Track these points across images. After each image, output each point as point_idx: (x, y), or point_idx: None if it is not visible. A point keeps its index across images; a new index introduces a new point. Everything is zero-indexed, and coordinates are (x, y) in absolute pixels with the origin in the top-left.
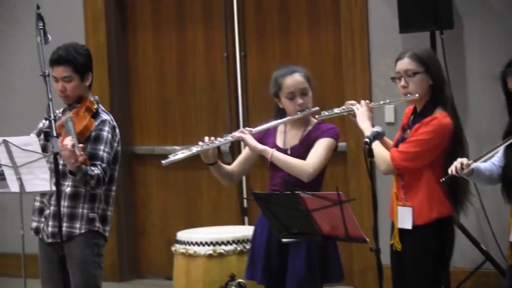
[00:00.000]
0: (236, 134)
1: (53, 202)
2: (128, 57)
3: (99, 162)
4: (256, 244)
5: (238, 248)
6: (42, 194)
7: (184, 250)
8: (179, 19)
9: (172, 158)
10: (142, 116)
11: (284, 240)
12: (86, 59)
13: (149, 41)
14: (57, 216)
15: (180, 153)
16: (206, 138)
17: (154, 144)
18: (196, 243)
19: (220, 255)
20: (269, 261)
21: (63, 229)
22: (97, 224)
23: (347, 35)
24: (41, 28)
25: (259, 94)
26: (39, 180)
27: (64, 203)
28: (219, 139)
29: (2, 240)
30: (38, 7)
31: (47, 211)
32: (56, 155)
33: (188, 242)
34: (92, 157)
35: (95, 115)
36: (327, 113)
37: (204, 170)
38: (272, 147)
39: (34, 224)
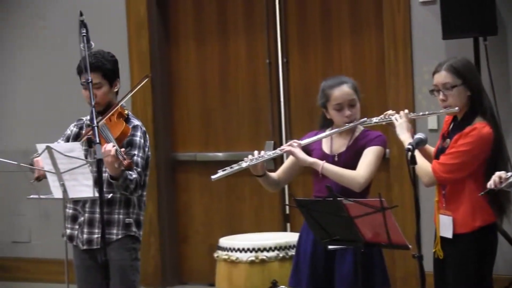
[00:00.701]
0: (285, 148)
1: (87, 209)
2: (171, 65)
3: (134, 167)
4: (301, 251)
5: (280, 255)
6: (75, 201)
7: (226, 257)
8: (222, 27)
9: (221, 173)
10: (184, 123)
11: (330, 247)
12: (114, 65)
13: (192, 49)
14: (99, 222)
15: (229, 168)
16: (256, 153)
17: (197, 151)
18: (238, 249)
19: (262, 261)
20: (315, 268)
21: (100, 235)
22: (134, 228)
23: (390, 42)
24: (84, 35)
25: (301, 101)
26: (82, 186)
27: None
28: (267, 152)
29: (45, 246)
30: (81, 14)
31: (81, 218)
32: (99, 161)
33: (230, 249)
34: None
35: (126, 120)
36: (367, 121)
37: (247, 177)
38: (318, 153)
39: (68, 231)
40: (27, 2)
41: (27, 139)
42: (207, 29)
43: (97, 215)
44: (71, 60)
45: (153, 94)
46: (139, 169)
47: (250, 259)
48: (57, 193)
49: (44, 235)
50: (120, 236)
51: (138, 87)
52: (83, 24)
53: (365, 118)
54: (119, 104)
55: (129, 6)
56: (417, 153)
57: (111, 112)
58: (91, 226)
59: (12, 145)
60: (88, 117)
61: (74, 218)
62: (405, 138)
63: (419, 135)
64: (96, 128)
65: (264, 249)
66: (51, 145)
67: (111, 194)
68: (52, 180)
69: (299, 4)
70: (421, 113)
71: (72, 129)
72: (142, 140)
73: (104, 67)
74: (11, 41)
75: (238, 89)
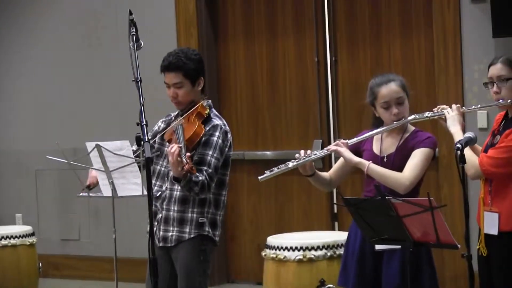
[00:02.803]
0: (332, 147)
1: (165, 206)
2: (219, 64)
3: (205, 168)
4: (349, 252)
5: (328, 254)
6: (156, 198)
7: (274, 255)
8: (270, 26)
9: (268, 173)
10: (233, 122)
11: (377, 248)
12: (197, 64)
13: (241, 47)
14: (172, 220)
15: (276, 169)
16: (302, 152)
17: (245, 150)
18: (286, 248)
19: (310, 260)
20: (362, 268)
21: (174, 233)
22: (207, 228)
23: (440, 41)
24: (133, 34)
25: (349, 99)
26: (131, 184)
27: (174, 207)
28: (314, 152)
29: (94, 244)
30: (130, 13)
31: (159, 215)
32: (148, 160)
33: (278, 247)
34: (199, 162)
35: (206, 120)
36: (417, 116)
37: (295, 175)
38: (368, 154)
39: (154, 229)
40: (80, 1)
41: (77, 138)
42: (255, 27)
43: (172, 213)
44: (124, 59)
45: (201, 92)
46: (209, 170)
47: (298, 258)
48: (107, 191)
49: (93, 233)
50: (192, 235)
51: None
52: (132, 23)
53: (414, 115)
54: (199, 104)
55: (178, 5)
56: (465, 148)
57: (190, 111)
58: (166, 224)
59: (63, 144)
60: (175, 113)
61: (155, 215)
62: (456, 130)
63: (468, 134)
64: (144, 126)
65: (312, 248)
66: (100, 143)
67: (177, 192)
68: (102, 178)
69: (348, 2)
70: (473, 107)
71: (159, 125)
72: (220, 140)
73: (185, 67)
74: (64, 39)
75: (286, 88)
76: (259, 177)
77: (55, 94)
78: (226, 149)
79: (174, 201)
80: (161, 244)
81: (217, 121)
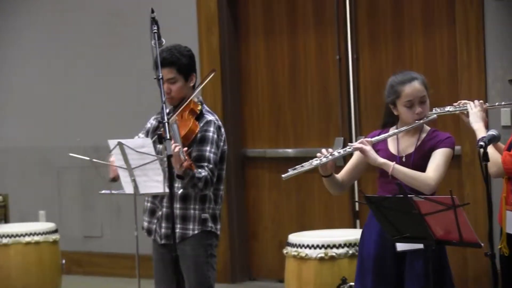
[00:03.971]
0: (357, 145)
1: (165, 203)
2: (240, 61)
3: (205, 164)
4: (365, 254)
5: (350, 251)
6: (154, 195)
7: (295, 253)
8: (291, 23)
9: (291, 172)
10: (254, 119)
11: (399, 249)
12: (190, 60)
13: (262, 45)
14: (171, 217)
15: (300, 167)
16: (324, 150)
17: (266, 147)
18: (308, 245)
19: (332, 258)
20: (381, 269)
21: (177, 230)
22: (210, 224)
23: (462, 37)
24: (155, 32)
25: (371, 97)
26: (153, 182)
27: (176, 204)
28: (337, 150)
29: (116, 241)
30: (152, 11)
31: (159, 213)
32: (169, 157)
33: (299, 245)
34: (199, 159)
35: (199, 116)
36: (439, 110)
37: (316, 173)
38: (384, 154)
39: (145, 225)
40: (103, 0)
41: (99, 135)
42: (276, 25)
43: (175, 211)
44: (144, 57)
45: (223, 90)
46: (210, 166)
47: (319, 255)
48: (128, 189)
49: (115, 229)
50: (196, 232)
51: (206, 81)
52: (154, 21)
53: (435, 109)
54: (189, 100)
55: (199, 2)
56: (488, 146)
57: (182, 108)
58: (168, 221)
59: (85, 142)
60: (166, 111)
61: (152, 212)
62: (479, 127)
63: (492, 132)
64: (166, 124)
65: (334, 246)
66: (122, 140)
67: (181, 190)
68: (124, 176)
69: (370, 0)
70: (496, 104)
71: (151, 122)
72: (215, 135)
73: (178, 62)
74: (86, 37)
75: (307, 85)
76: (283, 176)
77: (78, 92)
78: (221, 143)
79: (175, 198)
80: (163, 242)
81: (209, 116)
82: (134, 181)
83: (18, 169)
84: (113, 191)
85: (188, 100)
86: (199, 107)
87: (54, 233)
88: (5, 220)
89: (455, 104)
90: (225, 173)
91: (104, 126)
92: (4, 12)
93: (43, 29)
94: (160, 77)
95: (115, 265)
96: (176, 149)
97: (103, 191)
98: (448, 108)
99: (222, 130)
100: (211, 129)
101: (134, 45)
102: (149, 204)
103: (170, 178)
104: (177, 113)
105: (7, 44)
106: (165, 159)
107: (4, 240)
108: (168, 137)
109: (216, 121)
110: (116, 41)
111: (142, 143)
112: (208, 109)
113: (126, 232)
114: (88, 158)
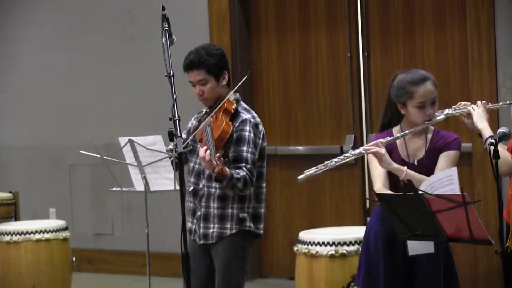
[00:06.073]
0: (372, 149)
1: (203, 203)
2: (252, 59)
3: (243, 164)
4: (372, 252)
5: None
6: (194, 195)
7: (306, 250)
8: (303, 21)
9: (307, 173)
10: (265, 117)
11: (411, 254)
12: (219, 59)
13: (273, 42)
14: (212, 217)
15: (315, 168)
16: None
17: (277, 145)
18: (319, 243)
19: (342, 255)
20: (393, 272)
21: (215, 230)
22: (248, 223)
23: (474, 35)
24: (166, 30)
25: (382, 95)
26: (164, 179)
27: (213, 204)
28: (351, 152)
29: (127, 238)
30: (163, 9)
31: (198, 213)
32: (180, 155)
33: (310, 242)
34: (237, 160)
35: (234, 115)
36: (450, 112)
37: (327, 171)
38: (395, 159)
39: (189, 225)
40: None
41: (111, 133)
42: (288, 23)
43: (212, 210)
44: (157, 54)
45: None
46: (248, 166)
47: (330, 253)
48: (139, 186)
49: (126, 227)
50: (234, 231)
51: (242, 81)
52: (165, 19)
53: (443, 116)
54: (224, 100)
55: (211, 0)
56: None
57: (217, 109)
58: (206, 221)
59: (96, 139)
60: (205, 110)
61: (193, 212)
62: (484, 126)
63: (502, 129)
64: (177, 121)
65: (345, 243)
66: (133, 138)
67: (216, 189)
68: (134, 173)
69: None
70: (500, 103)
71: (192, 122)
72: (252, 134)
73: (206, 63)
74: (98, 35)
75: (319, 83)
76: (298, 177)
77: (89, 90)
78: (260, 141)
79: (213, 198)
80: (202, 242)
81: (245, 115)
82: (145, 178)
83: (29, 166)
84: (123, 189)
85: (224, 101)
86: (234, 106)
87: (65, 231)
88: (16, 217)
89: (454, 107)
90: (265, 170)
91: (115, 124)
92: (24, 7)
93: (56, 29)
94: (171, 74)
95: (126, 263)
96: (207, 156)
97: (114, 189)
98: (447, 111)
99: (260, 127)
100: (247, 128)
101: (145, 42)
102: (191, 204)
103: (180, 177)
104: (211, 114)
105: (20, 39)
106: (175, 157)
107: (15, 238)
108: (178, 134)
109: (252, 119)
110: (127, 39)
111: (153, 140)
112: (245, 106)
113: (137, 229)
114: (99, 156)
